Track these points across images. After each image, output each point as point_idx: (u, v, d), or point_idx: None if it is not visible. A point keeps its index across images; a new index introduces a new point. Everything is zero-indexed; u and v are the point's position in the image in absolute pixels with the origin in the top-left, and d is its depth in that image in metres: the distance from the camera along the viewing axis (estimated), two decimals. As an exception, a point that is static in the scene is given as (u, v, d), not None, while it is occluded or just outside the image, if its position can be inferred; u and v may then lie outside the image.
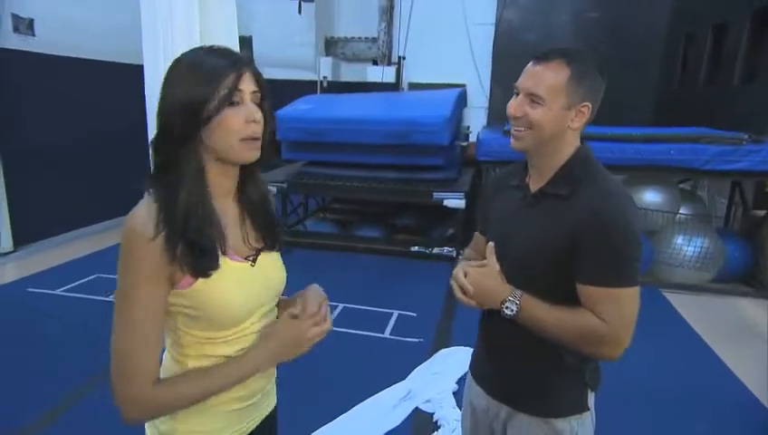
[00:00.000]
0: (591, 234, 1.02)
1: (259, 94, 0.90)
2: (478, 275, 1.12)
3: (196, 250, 0.85)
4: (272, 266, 1.01)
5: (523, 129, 1.10)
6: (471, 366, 1.38)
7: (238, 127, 0.86)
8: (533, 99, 1.07)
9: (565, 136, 1.10)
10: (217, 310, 0.90)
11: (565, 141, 1.11)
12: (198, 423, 0.95)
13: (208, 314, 0.89)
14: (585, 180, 1.08)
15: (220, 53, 0.88)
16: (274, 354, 0.95)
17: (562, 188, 1.09)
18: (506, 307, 1.08)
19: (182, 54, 0.91)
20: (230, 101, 0.85)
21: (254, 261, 0.96)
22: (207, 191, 0.90)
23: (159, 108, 0.88)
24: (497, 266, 1.13)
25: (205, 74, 0.85)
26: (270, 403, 1.11)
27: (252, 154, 0.90)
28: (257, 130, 0.89)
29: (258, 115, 0.89)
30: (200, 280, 0.87)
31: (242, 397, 0.98)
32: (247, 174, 0.97)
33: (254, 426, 1.04)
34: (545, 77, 1.06)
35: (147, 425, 1.00)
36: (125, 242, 0.84)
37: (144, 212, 0.85)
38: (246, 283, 0.93)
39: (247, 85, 0.87)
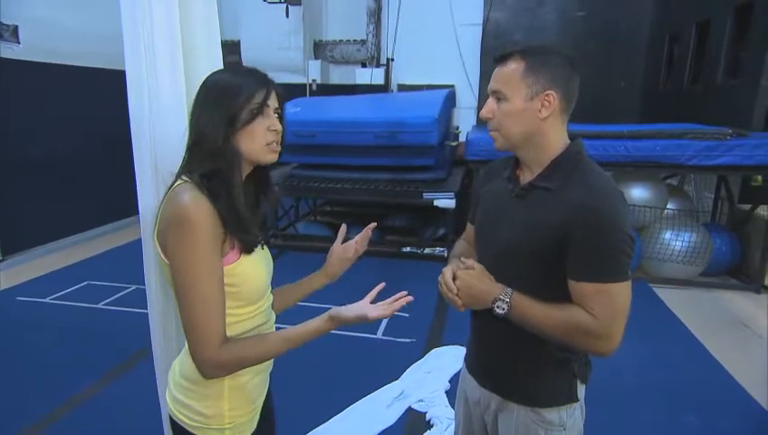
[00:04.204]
0: (580, 229, 1.02)
1: (280, 111, 1.08)
2: (467, 276, 1.12)
3: (246, 230, 1.02)
4: (269, 255, 1.16)
5: (494, 131, 1.14)
6: (465, 358, 1.41)
7: (262, 134, 1.03)
8: (498, 96, 1.10)
9: (541, 129, 1.10)
10: (253, 283, 1.05)
11: (545, 135, 1.10)
12: (237, 399, 1.09)
13: (246, 288, 1.04)
14: (574, 175, 1.08)
15: (249, 72, 1.05)
16: (337, 319, 1.07)
17: (551, 181, 1.10)
18: (497, 306, 1.09)
19: (213, 76, 1.07)
20: (260, 112, 1.02)
21: (262, 246, 1.11)
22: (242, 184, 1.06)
23: (199, 121, 1.02)
24: (483, 268, 1.13)
25: (240, 91, 1.01)
26: (268, 380, 1.23)
27: (271, 157, 1.07)
28: (277, 138, 1.06)
29: (279, 127, 1.06)
30: (242, 257, 1.02)
31: (261, 371, 1.14)
32: (266, 175, 1.14)
33: (264, 400, 1.20)
34: (503, 72, 1.10)
35: (186, 417, 1.08)
36: (186, 224, 0.94)
37: (193, 199, 0.95)
38: (264, 261, 1.11)
39: (273, 102, 1.05)
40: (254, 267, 1.06)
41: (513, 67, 1.08)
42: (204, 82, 1.06)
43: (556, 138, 1.12)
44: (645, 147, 4.26)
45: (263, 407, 1.19)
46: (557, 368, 1.17)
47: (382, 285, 1.15)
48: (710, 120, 4.97)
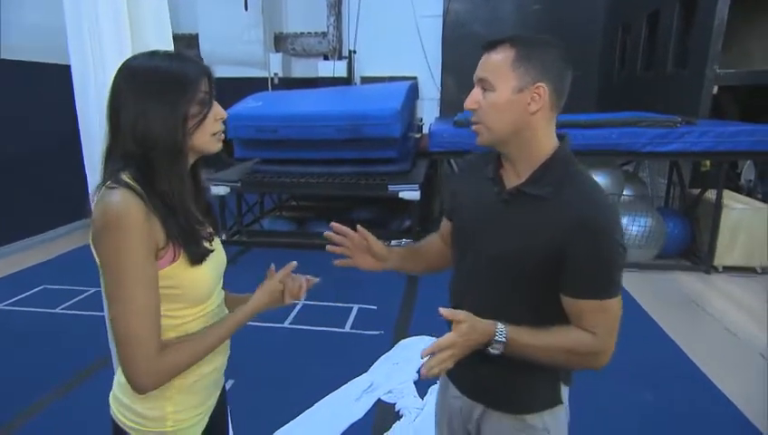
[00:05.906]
0: (580, 245, 0.98)
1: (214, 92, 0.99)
2: (464, 332, 0.98)
3: (197, 242, 0.96)
4: (219, 249, 1.08)
5: (478, 124, 1.05)
6: None
7: (211, 124, 0.97)
8: (484, 86, 1.03)
9: (530, 124, 1.02)
10: (195, 285, 0.98)
11: (533, 131, 1.03)
12: (183, 402, 1.03)
13: (187, 290, 0.97)
14: (567, 182, 1.02)
15: (181, 58, 0.96)
16: (260, 302, 1.09)
17: (542, 188, 1.03)
18: (493, 347, 1.00)
19: (143, 62, 0.95)
20: (209, 102, 0.96)
21: (210, 242, 1.03)
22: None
23: (137, 121, 0.90)
24: (470, 315, 1.00)
25: (183, 85, 0.92)
26: (222, 380, 1.19)
27: (219, 145, 1.01)
28: (223, 127, 1.01)
29: (224, 114, 1.00)
30: (181, 259, 0.94)
31: (212, 371, 1.08)
32: (198, 165, 1.06)
33: (216, 402, 1.14)
34: (491, 61, 1.02)
35: (124, 417, 1.02)
36: (116, 229, 0.87)
37: (124, 201, 0.87)
38: (211, 261, 1.01)
39: (211, 87, 0.97)
40: (199, 267, 0.98)
41: (503, 56, 1.00)
42: (129, 69, 0.94)
43: (545, 137, 1.05)
44: (601, 135, 4.39)
45: (213, 409, 1.13)
46: (542, 374, 1.13)
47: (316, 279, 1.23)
48: (662, 108, 5.18)
